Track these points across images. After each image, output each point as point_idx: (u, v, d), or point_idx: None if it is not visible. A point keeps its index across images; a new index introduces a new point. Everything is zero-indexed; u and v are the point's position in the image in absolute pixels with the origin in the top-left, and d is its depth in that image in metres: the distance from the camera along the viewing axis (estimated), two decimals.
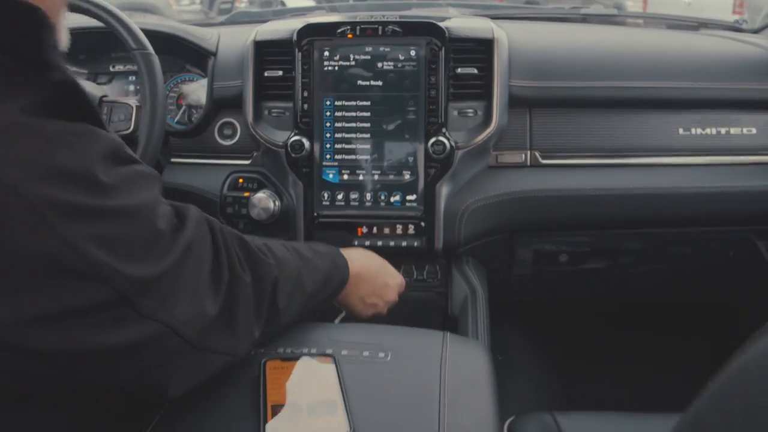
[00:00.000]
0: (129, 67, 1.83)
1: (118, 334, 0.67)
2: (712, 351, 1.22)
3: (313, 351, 1.00)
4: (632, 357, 2.08)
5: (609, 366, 2.09)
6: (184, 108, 1.78)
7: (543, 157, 1.57)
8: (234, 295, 0.82)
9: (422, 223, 1.52)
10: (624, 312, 2.14)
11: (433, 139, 1.49)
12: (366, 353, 1.01)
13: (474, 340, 1.35)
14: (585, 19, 2.06)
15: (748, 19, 2.03)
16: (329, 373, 0.94)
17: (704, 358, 1.22)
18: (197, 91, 1.78)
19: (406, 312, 1.44)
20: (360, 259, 1.25)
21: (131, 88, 1.83)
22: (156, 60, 1.44)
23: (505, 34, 1.60)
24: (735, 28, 2.01)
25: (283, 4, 4.66)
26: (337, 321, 1.34)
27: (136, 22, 1.52)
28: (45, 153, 0.61)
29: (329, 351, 1.00)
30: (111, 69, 1.84)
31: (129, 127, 1.43)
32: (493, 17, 1.81)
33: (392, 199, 1.53)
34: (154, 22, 1.81)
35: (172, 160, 1.72)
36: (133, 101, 1.47)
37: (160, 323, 0.70)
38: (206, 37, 1.75)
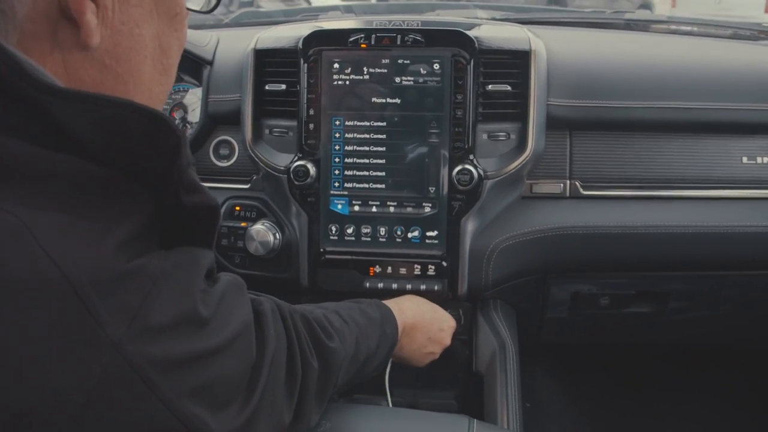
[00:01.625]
0: None
1: None
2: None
3: None
4: (673, 403, 2.00)
5: (648, 412, 2.01)
6: (176, 122, 1.69)
7: (584, 188, 1.50)
8: (305, 387, 0.89)
9: (444, 264, 1.44)
10: (665, 353, 2.07)
11: (458, 167, 1.41)
12: None
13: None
14: (629, 25, 1.93)
15: None
16: None
17: (754, 410, 1.10)
18: (192, 103, 1.68)
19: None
20: (413, 309, 1.31)
21: None
22: None
23: (543, 45, 1.48)
24: None
25: (307, 2, 4.48)
26: (387, 371, 1.39)
27: None
28: (148, 300, 0.60)
29: None
30: None
31: None
32: (526, 23, 1.69)
33: (410, 235, 1.45)
34: None
35: None
36: None
37: None
38: (202, 42, 1.65)
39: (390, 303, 1.27)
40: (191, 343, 0.64)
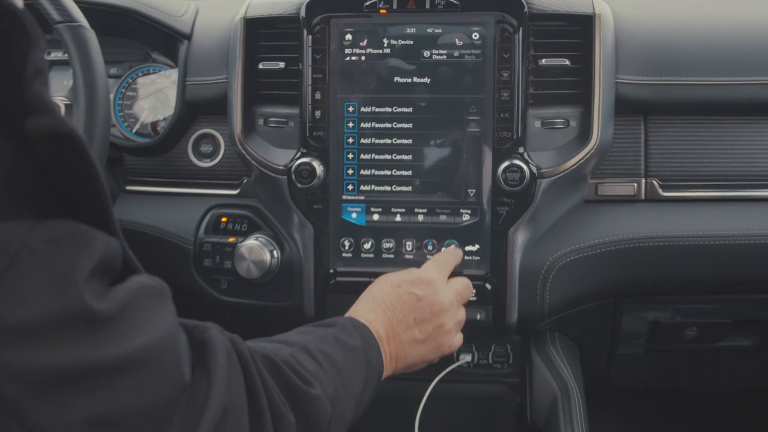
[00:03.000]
0: None
1: None
2: None
3: None
4: None
5: None
6: (146, 112, 1.72)
7: (664, 188, 1.51)
8: None
9: (488, 286, 1.44)
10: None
11: (505, 163, 1.41)
12: None
13: None
14: None
15: None
16: None
17: None
18: (165, 89, 1.71)
19: (463, 414, 1.41)
20: (380, 308, 1.25)
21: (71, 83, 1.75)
22: (91, 36, 1.39)
23: (609, 8, 1.49)
24: None
25: None
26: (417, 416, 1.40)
27: None
28: (2, 285, 0.55)
29: None
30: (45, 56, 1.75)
31: None
32: None
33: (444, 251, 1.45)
34: None
35: (128, 187, 1.68)
36: (60, 98, 1.42)
37: None
38: (177, 11, 1.66)
39: (355, 311, 1.24)
40: (76, 349, 0.59)
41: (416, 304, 1.25)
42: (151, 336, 0.67)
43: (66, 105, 1.38)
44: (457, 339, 1.33)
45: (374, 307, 1.24)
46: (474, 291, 1.40)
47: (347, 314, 1.23)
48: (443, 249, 1.44)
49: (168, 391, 0.69)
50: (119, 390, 0.62)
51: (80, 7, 1.40)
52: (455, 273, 1.41)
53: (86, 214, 0.65)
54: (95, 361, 0.60)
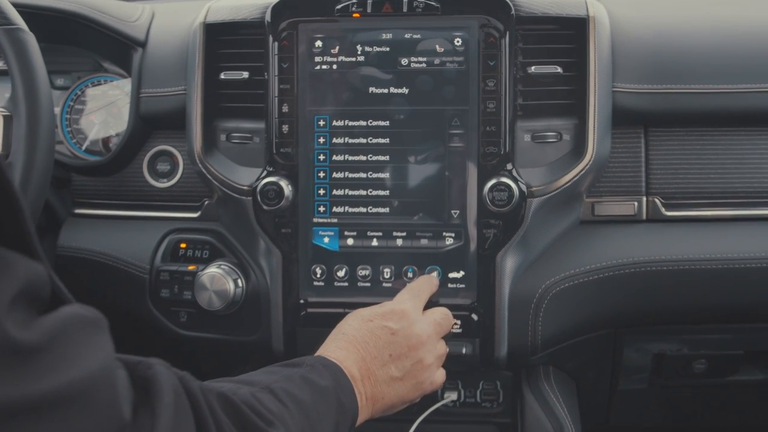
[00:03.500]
0: None
1: None
2: None
3: None
4: None
5: None
6: (97, 128, 1.73)
7: (667, 206, 1.52)
8: None
9: (474, 316, 1.44)
10: None
11: (492, 181, 1.42)
12: None
13: None
14: None
15: None
16: None
17: None
18: (118, 101, 1.71)
19: None
20: (359, 352, 1.24)
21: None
22: (30, 40, 1.39)
23: (604, 10, 1.50)
24: None
25: None
26: None
27: None
28: None
29: None
30: None
31: None
32: None
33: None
34: None
35: (76, 210, 1.69)
36: None
37: None
38: (130, 16, 1.67)
39: (326, 350, 1.23)
40: None
41: (391, 339, 1.25)
42: (84, 370, 0.65)
43: (4, 116, 1.37)
44: (439, 375, 1.32)
45: (345, 344, 1.24)
46: (456, 322, 1.40)
47: (317, 353, 1.22)
48: (419, 277, 1.44)
49: (107, 426, 0.67)
50: (46, 431, 0.60)
51: (20, 12, 1.40)
52: (433, 303, 1.42)
53: (4, 238, 0.64)
54: (18, 398, 0.58)
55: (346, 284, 1.47)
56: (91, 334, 0.70)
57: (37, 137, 1.36)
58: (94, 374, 0.67)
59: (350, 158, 1.46)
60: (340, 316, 1.38)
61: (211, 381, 1.00)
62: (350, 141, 1.46)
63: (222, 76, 1.52)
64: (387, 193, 1.45)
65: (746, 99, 1.49)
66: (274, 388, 1.03)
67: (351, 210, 1.46)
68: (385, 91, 1.45)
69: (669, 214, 1.50)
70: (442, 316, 1.36)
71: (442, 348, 1.33)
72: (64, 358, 0.64)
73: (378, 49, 1.45)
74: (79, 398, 0.64)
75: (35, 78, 1.37)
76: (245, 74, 1.51)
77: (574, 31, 1.45)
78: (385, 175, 1.46)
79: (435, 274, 1.45)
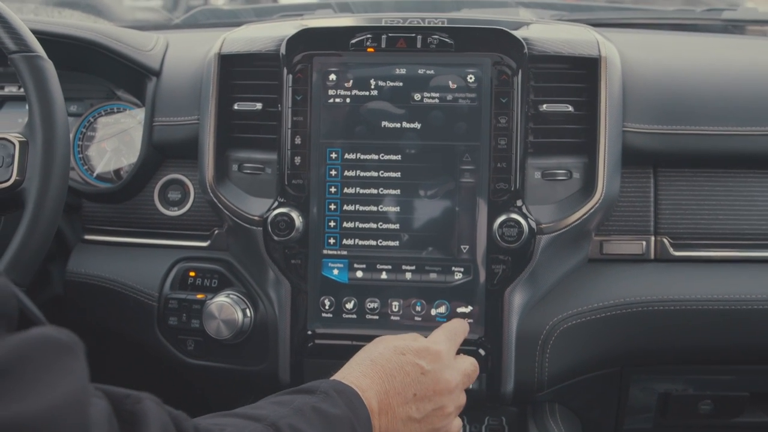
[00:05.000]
0: None
1: None
2: None
3: None
4: None
5: None
6: (108, 155, 1.73)
7: (675, 247, 1.52)
8: None
9: (482, 351, 1.44)
10: None
11: (502, 218, 1.42)
12: None
13: None
14: (727, 27, 1.98)
15: None
16: None
17: None
18: (130, 130, 1.71)
19: None
20: (384, 384, 1.19)
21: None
22: (49, 68, 1.40)
23: (616, 51, 1.51)
24: None
25: (274, 0, 4.62)
26: None
27: (44, 21, 1.49)
28: None
29: None
30: None
31: (8, 177, 1.39)
32: (590, 24, 1.70)
33: (434, 312, 1.46)
34: (65, 22, 1.73)
35: (86, 236, 1.68)
36: (14, 135, 1.41)
37: None
38: (144, 45, 1.68)
39: (348, 373, 1.19)
40: None
41: (419, 378, 1.20)
42: (52, 398, 0.61)
43: (21, 142, 1.39)
44: (456, 425, 1.28)
45: (371, 372, 1.19)
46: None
47: (336, 375, 1.19)
48: (452, 318, 1.41)
49: None
50: None
51: (39, 39, 1.41)
52: None
53: None
54: None
55: (354, 317, 1.46)
56: (63, 358, 0.66)
57: (52, 164, 1.36)
58: (62, 402, 0.63)
59: (361, 191, 1.46)
60: (347, 348, 1.37)
61: (216, 414, 0.99)
62: (362, 174, 1.46)
63: (235, 107, 1.52)
64: (397, 226, 1.45)
65: (754, 141, 1.50)
66: (280, 426, 1.00)
67: (361, 243, 1.46)
68: (398, 125, 1.45)
69: (677, 254, 1.50)
70: (472, 368, 1.31)
71: (464, 399, 1.28)
72: (28, 382, 0.60)
73: (391, 83, 1.46)
74: (42, 428, 0.60)
75: (53, 105, 1.37)
76: (259, 105, 1.51)
77: (585, 70, 1.45)
78: (396, 208, 1.45)
79: (444, 309, 1.44)
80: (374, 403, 1.15)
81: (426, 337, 1.30)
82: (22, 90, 1.69)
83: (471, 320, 1.44)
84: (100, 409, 0.69)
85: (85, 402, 0.66)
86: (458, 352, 1.36)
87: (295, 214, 1.45)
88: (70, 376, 0.65)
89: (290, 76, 1.47)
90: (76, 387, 0.65)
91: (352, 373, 1.18)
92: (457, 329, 1.35)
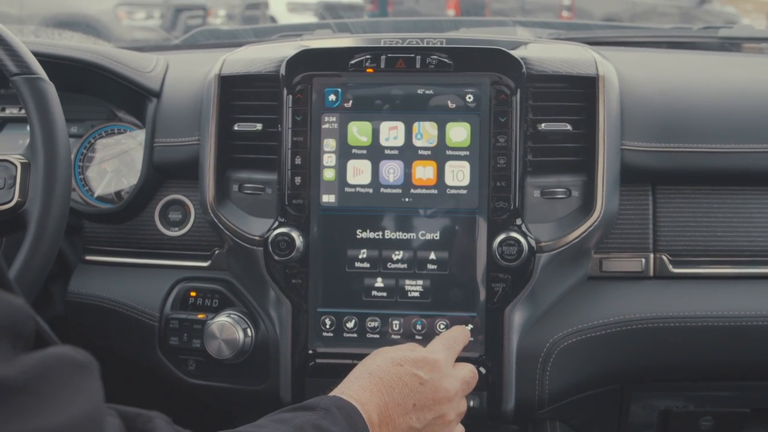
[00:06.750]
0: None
1: None
2: None
3: None
4: None
5: None
6: (109, 176, 1.72)
7: (675, 264, 1.52)
8: None
9: (482, 370, 1.43)
10: None
11: (501, 236, 1.42)
12: None
13: None
14: (724, 45, 2.00)
15: None
16: None
17: None
18: (131, 150, 1.71)
19: None
20: (384, 396, 1.19)
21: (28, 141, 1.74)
22: (50, 90, 1.40)
23: (613, 70, 1.51)
24: None
25: (273, 20, 4.66)
26: None
27: (44, 43, 1.48)
28: None
29: None
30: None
31: (10, 199, 1.39)
32: (588, 43, 1.71)
33: (435, 330, 1.46)
34: (66, 44, 1.73)
35: (87, 257, 1.68)
36: (16, 157, 1.42)
37: None
38: (145, 67, 1.68)
39: (347, 387, 1.18)
40: None
41: (418, 388, 1.20)
42: (68, 416, 0.62)
43: (22, 164, 1.39)
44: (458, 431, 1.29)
45: (370, 385, 1.19)
46: None
47: (335, 391, 1.18)
48: (454, 327, 1.42)
49: None
50: None
51: (40, 61, 1.41)
52: None
53: None
54: None
55: (355, 335, 1.46)
56: (79, 377, 0.67)
57: (54, 185, 1.36)
58: (78, 420, 0.64)
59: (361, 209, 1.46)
60: (348, 367, 1.35)
61: None
62: (361, 193, 1.46)
63: (236, 128, 1.52)
64: (397, 246, 1.46)
65: (753, 159, 1.50)
66: None
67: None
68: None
69: (676, 271, 1.51)
70: (471, 375, 1.32)
71: (464, 406, 1.29)
72: (46, 400, 0.61)
73: (391, 103, 1.46)
74: None
75: (54, 127, 1.37)
76: (259, 126, 1.51)
77: (583, 89, 1.46)
78: (396, 226, 1.46)
79: (462, 326, 1.43)
80: (374, 416, 1.15)
81: (424, 346, 1.31)
82: (23, 111, 1.68)
83: (471, 338, 1.42)
84: (114, 427, 0.71)
85: (100, 420, 0.67)
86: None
87: (295, 234, 1.44)
88: (86, 394, 0.66)
89: (290, 96, 1.47)
90: (92, 405, 0.66)
91: (352, 388, 1.18)
92: (456, 337, 1.35)
